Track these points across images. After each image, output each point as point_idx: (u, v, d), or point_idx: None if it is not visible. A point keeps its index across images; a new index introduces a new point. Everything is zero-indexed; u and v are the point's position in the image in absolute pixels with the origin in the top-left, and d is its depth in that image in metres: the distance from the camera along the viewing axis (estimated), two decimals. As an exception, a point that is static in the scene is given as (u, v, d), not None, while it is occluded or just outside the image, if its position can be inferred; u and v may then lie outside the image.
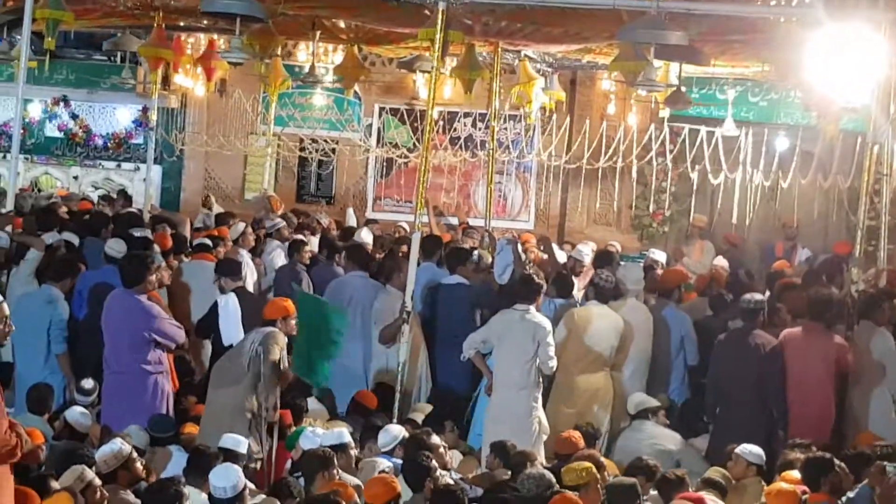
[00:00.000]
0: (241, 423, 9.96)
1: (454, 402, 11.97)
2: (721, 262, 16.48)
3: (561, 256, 15.23)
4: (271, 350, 10.11)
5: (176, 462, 9.53)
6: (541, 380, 11.12)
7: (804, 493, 9.00)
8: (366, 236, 15.59)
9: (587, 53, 17.02)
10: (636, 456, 10.20)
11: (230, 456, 9.05)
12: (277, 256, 15.20)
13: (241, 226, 15.52)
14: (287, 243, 15.14)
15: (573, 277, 13.52)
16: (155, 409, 10.74)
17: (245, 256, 14.24)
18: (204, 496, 8.42)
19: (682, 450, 11.41)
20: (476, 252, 13.72)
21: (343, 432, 9.63)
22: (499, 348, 11.13)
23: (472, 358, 11.34)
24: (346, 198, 21.93)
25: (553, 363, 11.09)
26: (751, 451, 10.10)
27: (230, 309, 11.64)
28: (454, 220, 18.55)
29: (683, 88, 15.95)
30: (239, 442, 9.35)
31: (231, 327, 11.66)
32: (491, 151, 16.84)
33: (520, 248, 13.73)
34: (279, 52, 18.37)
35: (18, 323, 10.98)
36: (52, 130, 23.74)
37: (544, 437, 11.01)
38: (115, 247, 12.54)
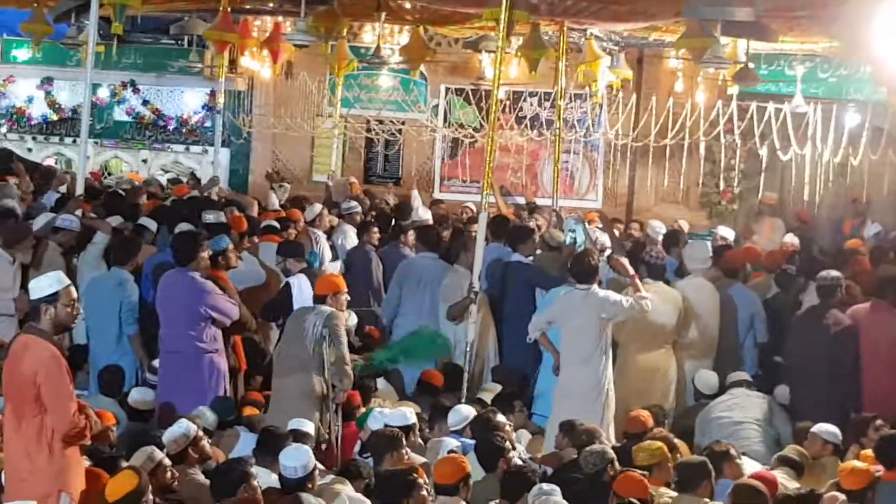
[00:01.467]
0: (309, 407, 10.03)
1: (520, 382, 11.96)
2: (792, 239, 16.34)
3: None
4: (339, 333, 10.15)
5: (244, 443, 9.58)
6: (609, 354, 11.05)
7: (878, 471, 8.94)
8: (423, 213, 15.56)
9: (654, 31, 16.92)
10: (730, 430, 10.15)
11: (298, 436, 9.09)
12: (349, 239, 15.23)
13: (318, 207, 15.55)
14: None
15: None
16: (209, 388, 10.78)
17: (321, 238, 14.28)
18: (273, 476, 8.46)
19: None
20: (539, 230, 13.68)
21: (408, 412, 9.65)
22: (564, 327, 11.07)
23: (538, 339, 11.31)
24: (413, 179, 21.92)
25: (644, 302, 11.04)
26: (827, 429, 10.05)
27: (304, 291, 11.68)
28: (521, 200, 18.48)
29: (751, 65, 15.78)
30: (306, 424, 9.38)
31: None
32: (557, 131, 16.76)
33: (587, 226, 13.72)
34: (345, 34, 18.38)
35: (90, 306, 11.21)
36: (120, 114, 23.90)
37: (612, 412, 10.96)
38: (148, 223, 12.77)
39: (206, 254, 11.07)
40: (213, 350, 10.90)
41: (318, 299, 10.49)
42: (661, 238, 14.93)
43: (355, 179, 19.94)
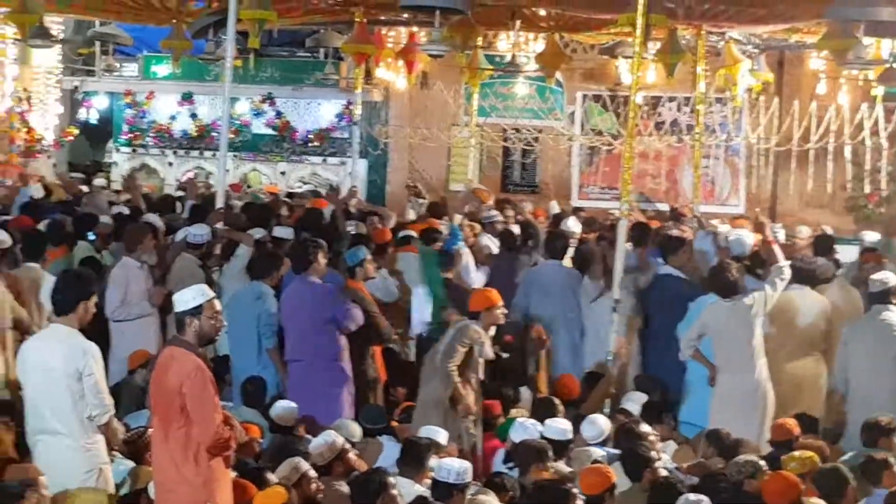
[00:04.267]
0: (439, 416, 9.99)
1: (664, 391, 11.80)
2: (940, 241, 15.93)
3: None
4: (454, 346, 10.09)
5: (388, 453, 9.55)
6: (763, 357, 10.90)
7: None
8: (573, 225, 15.44)
9: (794, 33, 16.69)
10: None
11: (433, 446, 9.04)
12: (488, 248, 15.12)
13: (459, 217, 15.49)
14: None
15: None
16: (337, 397, 10.79)
17: (464, 248, 14.23)
18: (417, 487, 8.42)
19: None
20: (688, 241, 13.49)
21: (566, 427, 9.54)
22: (716, 339, 10.98)
23: (691, 356, 11.19)
24: (550, 186, 21.84)
25: (784, 269, 11.01)
26: None
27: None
28: (663, 206, 18.28)
29: (896, 65, 15.47)
30: (439, 433, 9.32)
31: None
32: (697, 136, 16.57)
33: (720, 237, 13.52)
34: (479, 43, 18.37)
35: (232, 319, 11.24)
36: (259, 127, 24.17)
37: (769, 418, 10.78)
38: (283, 233, 12.89)
39: (322, 260, 11.07)
40: (338, 357, 10.90)
41: (472, 315, 10.42)
42: (807, 242, 14.62)
43: (480, 185, 19.84)
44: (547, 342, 11.98)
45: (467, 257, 13.98)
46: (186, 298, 7.38)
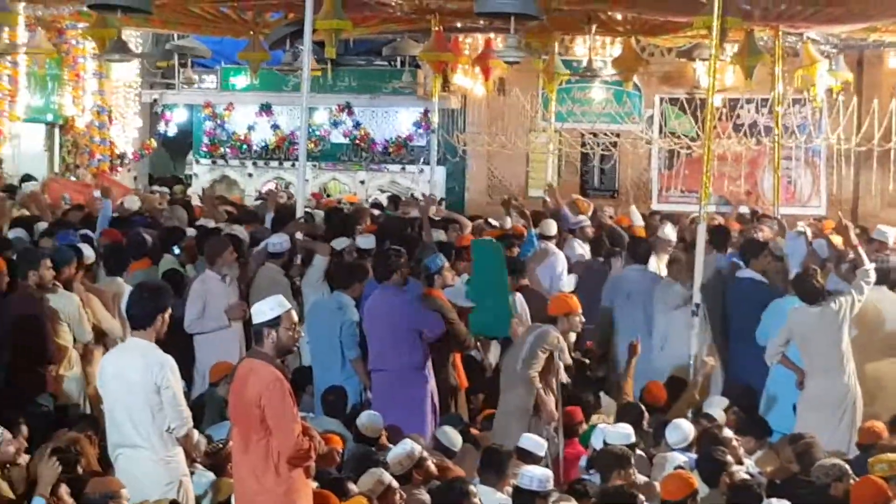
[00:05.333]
0: (522, 423, 9.97)
1: (749, 396, 11.71)
2: None
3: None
4: (534, 352, 10.07)
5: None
6: (851, 359, 10.84)
7: None
8: (669, 232, 15.32)
9: (873, 32, 16.53)
10: None
11: (523, 455, 9.01)
12: (576, 253, 15.05)
13: (552, 223, 15.33)
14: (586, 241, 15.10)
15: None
16: (420, 406, 10.74)
17: (557, 253, 14.16)
18: (498, 495, 8.42)
19: None
20: (770, 244, 13.38)
21: (629, 431, 9.49)
22: (803, 344, 10.93)
23: (779, 362, 11.13)
24: (629, 191, 21.76)
25: (869, 271, 10.94)
26: None
27: (517, 308, 11.62)
28: (744, 209, 18.12)
29: (980, 62, 15.28)
30: (538, 445, 9.27)
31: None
32: (777, 137, 16.44)
33: (809, 238, 13.40)
34: (556, 48, 18.34)
35: (312, 329, 11.33)
36: (337, 137, 24.29)
37: (858, 422, 10.68)
38: (365, 243, 12.88)
39: (404, 269, 11.08)
40: (421, 366, 10.89)
41: (551, 319, 10.41)
42: (890, 241, 14.42)
43: (581, 197, 19.72)
44: (638, 351, 11.93)
45: (560, 262, 13.92)
46: (264, 310, 7.41)
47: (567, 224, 15.67)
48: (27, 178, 18.79)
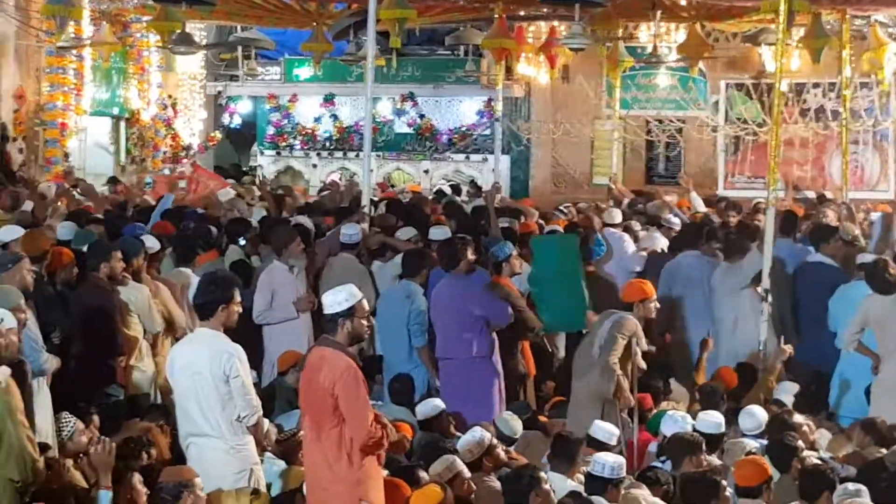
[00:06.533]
0: (597, 409, 9.94)
1: (818, 381, 11.62)
2: None
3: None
4: (615, 340, 10.03)
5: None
6: None
7: None
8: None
9: (942, 12, 16.35)
10: None
11: (594, 444, 8.97)
12: (657, 244, 14.88)
13: (616, 212, 15.23)
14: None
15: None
16: (488, 394, 10.74)
17: (624, 235, 14.05)
18: (569, 482, 8.39)
19: None
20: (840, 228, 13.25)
21: (719, 420, 9.43)
22: (879, 330, 10.82)
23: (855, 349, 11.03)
24: (695, 177, 21.62)
25: None
26: None
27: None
28: (811, 194, 17.96)
29: None
30: (609, 434, 9.22)
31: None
32: (844, 121, 16.29)
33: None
34: (620, 35, 18.25)
35: (382, 318, 11.34)
36: (401, 126, 24.31)
37: None
38: (439, 234, 12.72)
39: (471, 257, 11.04)
40: (489, 354, 10.87)
41: (626, 306, 10.39)
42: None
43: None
44: (710, 347, 11.88)
45: (627, 243, 13.82)
46: (339, 300, 7.40)
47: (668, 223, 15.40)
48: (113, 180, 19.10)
